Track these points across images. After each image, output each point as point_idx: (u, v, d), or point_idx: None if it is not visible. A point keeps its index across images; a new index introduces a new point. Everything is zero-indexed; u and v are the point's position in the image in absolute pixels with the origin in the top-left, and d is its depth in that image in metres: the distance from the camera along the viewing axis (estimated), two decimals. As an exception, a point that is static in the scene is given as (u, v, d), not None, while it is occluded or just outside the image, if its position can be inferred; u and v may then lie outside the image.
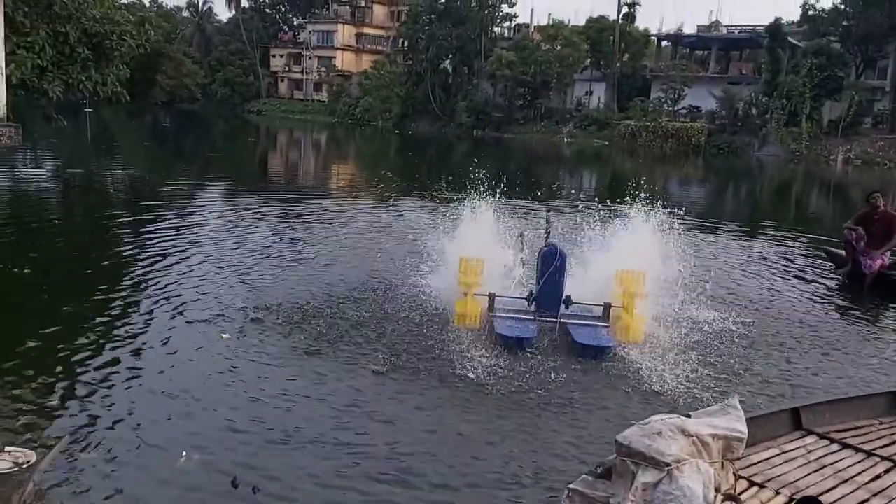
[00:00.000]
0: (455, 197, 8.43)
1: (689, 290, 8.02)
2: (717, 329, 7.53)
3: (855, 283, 9.84)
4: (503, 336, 6.76)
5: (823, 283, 10.36)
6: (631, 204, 8.65)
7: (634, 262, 7.30)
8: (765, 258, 12.10)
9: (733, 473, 3.31)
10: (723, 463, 3.21)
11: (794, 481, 3.42)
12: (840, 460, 3.68)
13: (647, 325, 7.18)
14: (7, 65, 10.49)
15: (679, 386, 5.98)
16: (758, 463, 3.57)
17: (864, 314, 8.84)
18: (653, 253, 7.68)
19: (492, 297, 7.26)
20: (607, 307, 7.20)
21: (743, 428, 3.28)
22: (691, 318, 7.74)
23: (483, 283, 7.40)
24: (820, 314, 8.74)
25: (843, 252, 10.28)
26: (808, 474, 3.51)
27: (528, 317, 7.21)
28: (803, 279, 10.60)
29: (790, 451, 3.75)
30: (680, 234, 8.28)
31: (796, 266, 11.55)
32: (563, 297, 7.28)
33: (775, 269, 11.26)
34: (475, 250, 7.52)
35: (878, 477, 3.53)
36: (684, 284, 7.96)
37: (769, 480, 3.41)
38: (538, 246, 7.90)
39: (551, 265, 7.15)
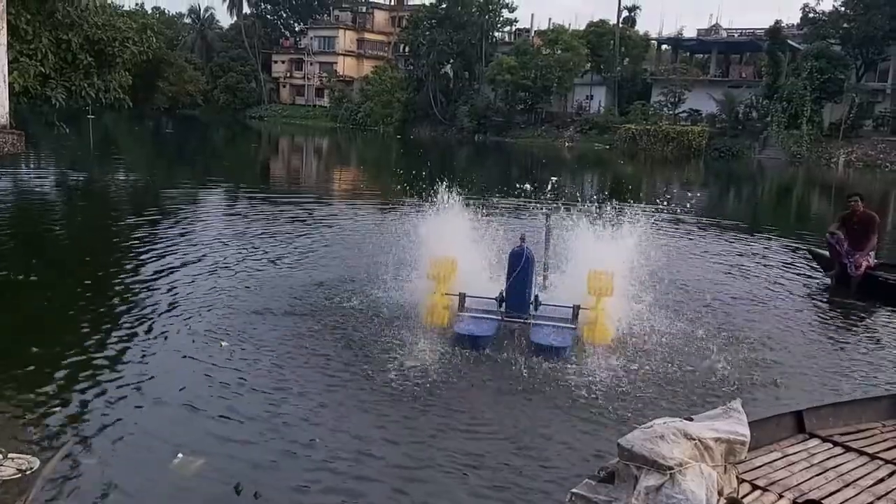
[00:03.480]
0: (453, 199, 8.39)
1: (673, 291, 7.91)
2: (701, 332, 7.42)
3: (843, 286, 9.84)
4: (459, 335, 6.78)
5: (812, 286, 10.34)
6: (623, 206, 8.54)
7: (618, 263, 7.21)
8: (756, 261, 12.07)
9: (736, 477, 3.32)
10: (725, 466, 3.21)
11: (797, 485, 3.42)
12: (843, 464, 3.68)
13: (617, 327, 7.08)
14: (10, 72, 10.53)
15: (651, 391, 5.87)
16: (761, 466, 3.57)
17: (855, 316, 8.81)
18: (638, 254, 7.60)
19: (462, 296, 7.25)
20: (576, 308, 7.07)
21: (745, 431, 3.28)
22: (673, 320, 7.64)
23: (481, 284, 7.39)
24: (810, 317, 8.71)
25: (826, 253, 10.30)
26: (811, 478, 3.51)
27: (492, 317, 7.14)
28: (794, 282, 10.57)
29: (793, 454, 3.75)
30: (669, 236, 8.20)
31: (788, 269, 11.52)
32: (532, 297, 7.22)
33: (766, 272, 11.22)
34: (472, 252, 7.49)
35: (881, 480, 3.53)
36: (667, 286, 7.86)
37: (772, 484, 3.41)
38: (538, 247, 7.88)
39: (518, 266, 7.08)
